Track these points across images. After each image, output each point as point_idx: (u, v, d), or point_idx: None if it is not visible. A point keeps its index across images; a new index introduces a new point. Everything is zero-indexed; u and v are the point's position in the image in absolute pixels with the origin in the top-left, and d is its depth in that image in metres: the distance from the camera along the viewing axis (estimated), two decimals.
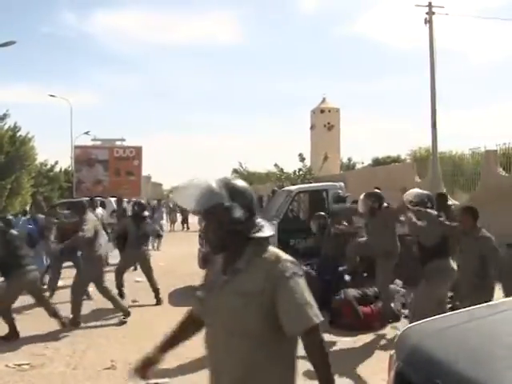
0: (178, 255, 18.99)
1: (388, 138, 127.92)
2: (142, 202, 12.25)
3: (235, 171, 68.64)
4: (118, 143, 50.81)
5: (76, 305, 9.09)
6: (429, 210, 7.00)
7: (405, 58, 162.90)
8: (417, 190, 7.41)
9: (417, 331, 3.31)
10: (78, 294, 9.25)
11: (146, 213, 11.55)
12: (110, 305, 10.32)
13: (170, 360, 6.81)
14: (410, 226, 7.08)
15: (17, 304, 10.47)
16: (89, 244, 9.10)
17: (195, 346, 6.83)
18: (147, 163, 47.99)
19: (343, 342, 7.63)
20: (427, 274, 6.75)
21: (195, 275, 12.84)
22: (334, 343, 7.56)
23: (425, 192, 7.50)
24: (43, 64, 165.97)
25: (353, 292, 8.69)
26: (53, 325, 8.85)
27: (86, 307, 10.26)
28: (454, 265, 6.78)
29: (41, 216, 13.29)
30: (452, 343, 3.00)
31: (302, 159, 34.80)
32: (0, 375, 6.48)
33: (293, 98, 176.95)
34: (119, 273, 10.96)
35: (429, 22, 17.35)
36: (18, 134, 19.68)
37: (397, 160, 41.82)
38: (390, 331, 8.21)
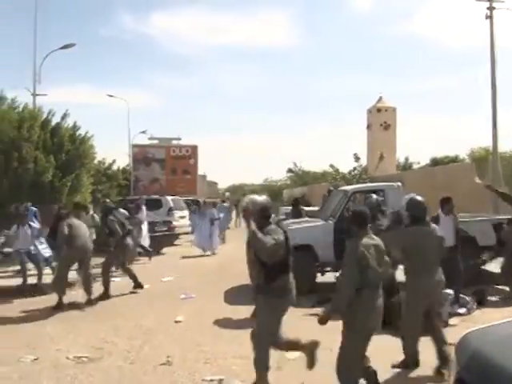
0: (235, 253, 19.10)
1: (446, 138, 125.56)
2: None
3: (290, 170, 68.50)
4: (175, 142, 51.40)
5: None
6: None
7: (463, 55, 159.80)
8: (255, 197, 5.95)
9: (477, 337, 3.24)
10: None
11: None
12: (168, 302, 10.48)
13: (227, 358, 6.88)
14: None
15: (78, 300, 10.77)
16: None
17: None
18: (203, 162, 48.43)
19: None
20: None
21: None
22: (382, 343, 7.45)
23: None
24: (102, 65, 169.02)
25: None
26: (111, 320, 9.03)
27: (144, 305, 10.44)
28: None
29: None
30: None
31: (357, 159, 34.50)
32: (61, 367, 6.64)
33: (348, 98, 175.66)
34: None
35: (490, 17, 16.93)
36: (78, 133, 20.11)
37: (455, 160, 41.02)
38: None
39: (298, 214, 16.03)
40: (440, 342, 6.27)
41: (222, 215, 23.66)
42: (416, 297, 6.31)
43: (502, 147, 17.71)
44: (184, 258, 18.72)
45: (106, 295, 11.18)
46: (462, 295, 9.31)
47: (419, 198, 6.69)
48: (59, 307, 10.12)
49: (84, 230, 10.84)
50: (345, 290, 5.20)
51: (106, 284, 11.30)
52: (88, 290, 10.71)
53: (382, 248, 5.42)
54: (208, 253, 19.68)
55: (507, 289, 10.63)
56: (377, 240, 5.46)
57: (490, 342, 3.08)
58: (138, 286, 12.04)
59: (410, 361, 6.37)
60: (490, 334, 3.25)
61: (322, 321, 5.32)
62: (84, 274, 10.84)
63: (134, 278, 12.04)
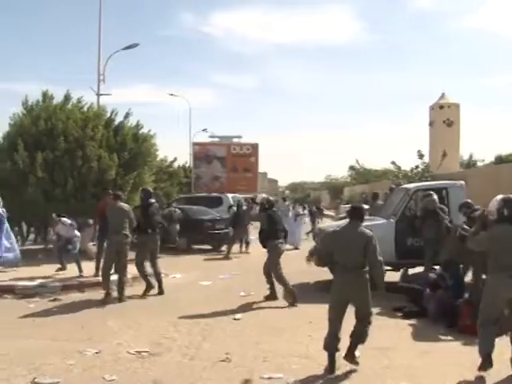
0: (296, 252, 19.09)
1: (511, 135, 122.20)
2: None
3: (352, 168, 68.01)
4: (235, 140, 51.80)
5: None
6: None
7: None
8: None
9: None
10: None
11: None
12: (227, 300, 10.53)
13: (286, 356, 6.86)
14: None
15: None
16: None
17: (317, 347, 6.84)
18: (263, 160, 48.64)
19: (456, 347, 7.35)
20: None
21: (310, 273, 12.84)
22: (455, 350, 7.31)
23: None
24: (163, 65, 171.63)
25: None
26: (171, 316, 9.13)
27: (204, 301, 10.52)
28: None
29: None
30: None
31: (421, 156, 33.85)
32: (121, 361, 6.74)
33: (411, 94, 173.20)
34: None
35: None
36: (140, 132, 20.38)
37: None
38: None
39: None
40: None
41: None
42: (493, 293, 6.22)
43: None
44: (243, 256, 18.80)
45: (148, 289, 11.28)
46: None
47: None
48: (106, 301, 10.38)
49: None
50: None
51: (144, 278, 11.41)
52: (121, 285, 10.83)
53: (357, 238, 6.50)
54: (290, 247, 19.53)
55: None
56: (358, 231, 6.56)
57: None
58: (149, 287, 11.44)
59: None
60: None
61: None
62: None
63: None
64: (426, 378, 6.17)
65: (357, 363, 6.41)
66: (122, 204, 11.27)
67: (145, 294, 11.08)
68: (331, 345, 6.41)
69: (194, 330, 8.25)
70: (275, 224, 10.75)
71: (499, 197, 6.50)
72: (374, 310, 8.06)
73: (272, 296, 10.64)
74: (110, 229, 11.11)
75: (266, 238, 10.66)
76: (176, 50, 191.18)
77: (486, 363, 6.09)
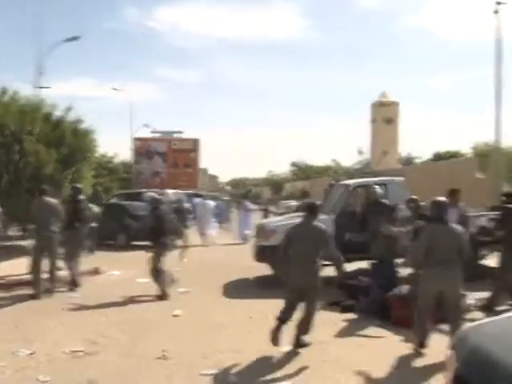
0: (237, 247, 19.11)
1: (448, 133, 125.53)
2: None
3: (294, 164, 68.63)
4: (177, 135, 51.41)
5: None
6: None
7: (468, 51, 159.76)
8: None
9: (476, 333, 3.16)
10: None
11: None
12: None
13: (225, 352, 6.80)
14: None
15: (79, 293, 10.73)
16: None
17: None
18: (204, 156, 48.59)
19: (391, 339, 7.46)
20: None
21: (250, 268, 12.85)
22: (390, 342, 7.40)
23: None
24: (106, 59, 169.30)
25: (406, 288, 8.50)
26: (108, 314, 8.97)
27: (142, 298, 10.37)
28: None
29: None
30: None
31: (361, 153, 34.51)
32: (56, 361, 6.57)
33: (353, 92, 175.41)
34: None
35: (497, 12, 16.78)
36: (80, 127, 19.95)
37: (457, 155, 40.91)
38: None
39: None
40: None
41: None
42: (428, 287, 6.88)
43: (505, 143, 17.58)
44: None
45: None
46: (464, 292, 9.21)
47: (441, 198, 7.19)
48: (36, 298, 10.25)
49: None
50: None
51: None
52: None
53: (308, 231, 7.05)
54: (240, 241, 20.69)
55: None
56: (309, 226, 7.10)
57: (488, 337, 3.02)
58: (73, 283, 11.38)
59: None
60: (489, 329, 3.19)
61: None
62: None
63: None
64: (362, 369, 6.21)
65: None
66: (48, 199, 11.05)
67: (70, 288, 11.03)
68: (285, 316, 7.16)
69: (131, 328, 8.12)
70: (162, 222, 10.91)
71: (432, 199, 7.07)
72: None
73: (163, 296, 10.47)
74: (36, 224, 10.94)
75: (154, 236, 10.86)
76: (120, 44, 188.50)
77: (421, 346, 6.85)
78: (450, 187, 10.45)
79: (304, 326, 7.08)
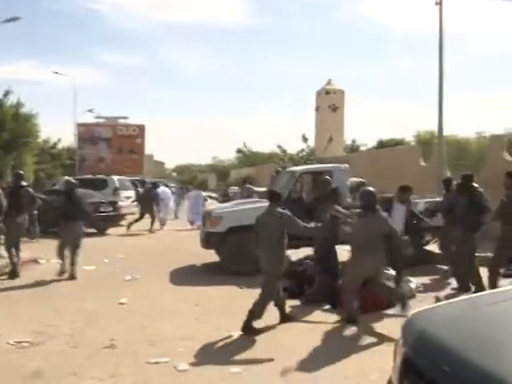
0: (184, 234, 19.05)
1: (392, 121, 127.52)
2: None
3: (239, 151, 68.61)
4: (122, 121, 50.71)
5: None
6: None
7: (412, 40, 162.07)
8: None
9: (424, 317, 3.24)
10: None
11: None
12: (112, 284, 10.33)
13: (172, 340, 6.80)
14: None
15: (22, 283, 10.52)
16: None
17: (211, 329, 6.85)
18: (150, 142, 48.18)
19: (345, 325, 7.57)
20: None
21: (197, 255, 12.84)
22: (337, 326, 7.51)
23: None
24: (48, 41, 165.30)
25: None
26: (53, 303, 8.83)
27: (87, 286, 10.24)
28: None
29: None
30: (460, 330, 2.93)
31: (305, 140, 34.69)
32: (1, 352, 6.42)
33: (299, 80, 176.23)
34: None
35: (439, 3, 17.06)
36: (21, 111, 19.44)
37: (401, 143, 41.59)
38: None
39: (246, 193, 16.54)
40: None
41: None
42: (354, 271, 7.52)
43: (447, 131, 17.96)
44: (130, 238, 18.48)
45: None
46: (408, 277, 9.41)
47: (371, 188, 7.75)
48: None
49: None
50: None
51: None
52: None
53: (270, 218, 7.41)
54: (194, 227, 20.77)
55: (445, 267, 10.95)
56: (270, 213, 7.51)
57: (436, 322, 3.09)
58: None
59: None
60: (437, 315, 3.26)
61: None
62: None
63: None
64: (308, 354, 6.30)
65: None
66: None
67: (10, 277, 10.86)
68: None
69: (77, 317, 7.99)
70: (77, 206, 11.29)
71: (351, 180, 7.46)
72: (254, 291, 8.21)
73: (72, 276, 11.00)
74: None
75: (63, 219, 11.28)
76: (63, 26, 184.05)
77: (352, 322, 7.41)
78: (392, 174, 10.62)
79: (256, 311, 7.23)
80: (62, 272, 11.14)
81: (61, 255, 11.24)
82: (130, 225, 20.46)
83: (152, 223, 20.99)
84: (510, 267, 10.23)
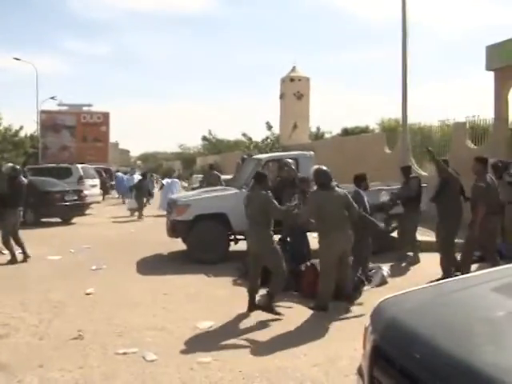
0: (150, 222, 18.95)
1: (357, 109, 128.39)
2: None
3: (204, 138, 68.37)
4: (86, 109, 50.01)
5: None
6: None
7: (378, 29, 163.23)
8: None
9: (393, 305, 3.26)
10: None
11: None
12: (78, 274, 10.22)
13: (141, 330, 6.76)
14: None
15: None
16: None
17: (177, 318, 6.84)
18: (115, 130, 47.75)
19: (301, 309, 7.62)
20: None
21: (164, 244, 12.79)
22: (302, 310, 7.55)
23: None
24: (9, 27, 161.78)
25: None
26: (18, 294, 8.70)
27: (53, 276, 10.12)
28: None
29: None
30: (430, 317, 2.96)
31: (270, 127, 34.75)
32: None
33: (264, 67, 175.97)
34: None
35: None
36: None
37: (366, 130, 41.87)
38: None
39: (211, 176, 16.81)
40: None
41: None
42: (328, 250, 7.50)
43: (411, 119, 18.13)
44: (95, 228, 18.29)
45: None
46: (379, 265, 9.52)
47: (324, 167, 7.79)
48: None
49: None
50: None
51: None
52: None
53: (254, 200, 7.65)
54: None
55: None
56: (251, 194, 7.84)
57: (405, 309, 3.11)
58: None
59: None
60: (406, 302, 3.28)
61: None
62: None
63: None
64: (276, 342, 6.33)
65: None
66: None
67: None
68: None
69: (43, 308, 7.89)
70: (18, 192, 11.52)
71: (313, 168, 7.46)
72: (223, 279, 8.21)
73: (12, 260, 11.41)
74: None
75: (4, 205, 11.34)
76: (24, 12, 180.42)
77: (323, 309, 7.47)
78: (357, 162, 10.67)
79: (272, 289, 7.58)
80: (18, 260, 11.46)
81: (8, 244, 11.51)
82: (140, 215, 21.35)
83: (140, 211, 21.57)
84: (476, 254, 10.39)
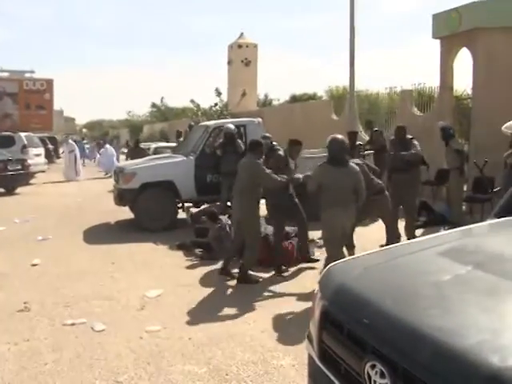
0: (97, 191, 18.68)
1: (305, 76, 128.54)
2: None
3: (154, 105, 67.58)
4: (28, 75, 48.66)
5: None
6: None
7: None
8: None
9: (341, 270, 3.28)
10: None
11: None
12: (23, 245, 10.02)
13: (89, 300, 6.69)
14: None
15: None
16: None
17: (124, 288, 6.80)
18: (59, 97, 46.72)
19: (265, 280, 7.66)
20: None
21: (111, 212, 12.65)
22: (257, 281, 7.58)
23: None
24: None
25: (270, 229, 8.60)
26: None
27: None
28: None
29: None
30: (377, 282, 2.99)
31: (219, 94, 34.47)
32: None
33: (213, 33, 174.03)
34: None
35: None
36: None
37: (313, 97, 41.97)
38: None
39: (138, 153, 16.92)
40: None
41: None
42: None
43: (358, 86, 18.24)
44: (40, 197, 17.93)
45: None
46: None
47: (341, 137, 6.89)
48: None
49: None
50: None
51: None
52: None
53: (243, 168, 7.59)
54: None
55: None
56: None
57: (353, 274, 3.13)
58: None
59: None
60: (354, 267, 3.30)
61: None
62: None
63: None
64: (226, 312, 6.36)
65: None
66: None
67: None
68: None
69: None
70: None
71: (329, 137, 6.84)
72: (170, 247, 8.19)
73: None
74: None
75: None
76: None
77: None
78: (304, 128, 10.60)
79: (245, 261, 7.58)
80: None
81: None
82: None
83: None
84: (418, 218, 10.58)
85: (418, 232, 9.70)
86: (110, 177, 22.43)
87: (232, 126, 11.48)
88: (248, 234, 7.55)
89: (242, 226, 7.58)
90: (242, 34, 42.84)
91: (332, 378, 2.84)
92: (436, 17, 15.17)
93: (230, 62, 42.70)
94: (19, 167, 19.56)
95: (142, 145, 24.89)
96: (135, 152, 18.50)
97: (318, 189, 6.70)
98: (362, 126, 17.97)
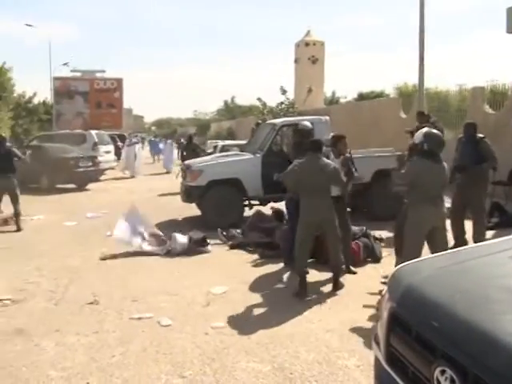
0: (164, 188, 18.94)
1: (373, 73, 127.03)
2: None
3: (225, 104, 68.37)
4: (99, 75, 49.88)
5: None
6: None
7: None
8: None
9: (410, 272, 3.22)
10: None
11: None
12: (93, 240, 10.25)
13: (155, 295, 6.78)
14: None
15: None
16: None
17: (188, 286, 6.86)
18: (129, 96, 47.71)
19: (328, 279, 7.59)
20: None
21: (179, 209, 12.79)
22: (320, 280, 7.52)
23: None
24: None
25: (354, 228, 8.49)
26: (35, 260, 8.75)
27: (69, 243, 10.17)
28: None
29: None
30: (447, 284, 2.92)
31: (284, 92, 34.39)
32: None
33: (280, 32, 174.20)
34: None
35: None
36: None
37: (381, 95, 41.44)
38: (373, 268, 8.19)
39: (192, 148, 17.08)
40: None
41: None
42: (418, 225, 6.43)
43: (427, 84, 17.92)
44: (111, 193, 18.32)
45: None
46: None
47: (436, 131, 6.63)
48: None
49: None
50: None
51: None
52: None
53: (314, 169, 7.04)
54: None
55: None
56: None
57: (422, 276, 3.07)
58: None
59: None
60: (422, 269, 3.24)
61: None
62: None
63: None
64: (292, 309, 6.33)
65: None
66: None
67: None
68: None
69: (59, 274, 7.95)
70: (8, 160, 11.72)
71: (423, 130, 6.54)
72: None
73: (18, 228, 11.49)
74: None
75: None
76: None
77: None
78: (374, 127, 10.45)
79: (339, 262, 7.33)
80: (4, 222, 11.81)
81: None
82: None
83: None
84: (490, 219, 10.28)
85: (490, 233, 9.41)
86: (168, 173, 24.80)
87: (309, 124, 11.33)
88: (334, 235, 7.16)
89: (326, 226, 7.13)
90: (308, 31, 42.67)
91: (399, 381, 2.79)
92: (510, 10, 14.65)
93: (296, 60, 42.61)
94: (90, 164, 20.06)
95: (209, 142, 25.11)
96: (189, 148, 18.69)
97: (408, 184, 6.39)
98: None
